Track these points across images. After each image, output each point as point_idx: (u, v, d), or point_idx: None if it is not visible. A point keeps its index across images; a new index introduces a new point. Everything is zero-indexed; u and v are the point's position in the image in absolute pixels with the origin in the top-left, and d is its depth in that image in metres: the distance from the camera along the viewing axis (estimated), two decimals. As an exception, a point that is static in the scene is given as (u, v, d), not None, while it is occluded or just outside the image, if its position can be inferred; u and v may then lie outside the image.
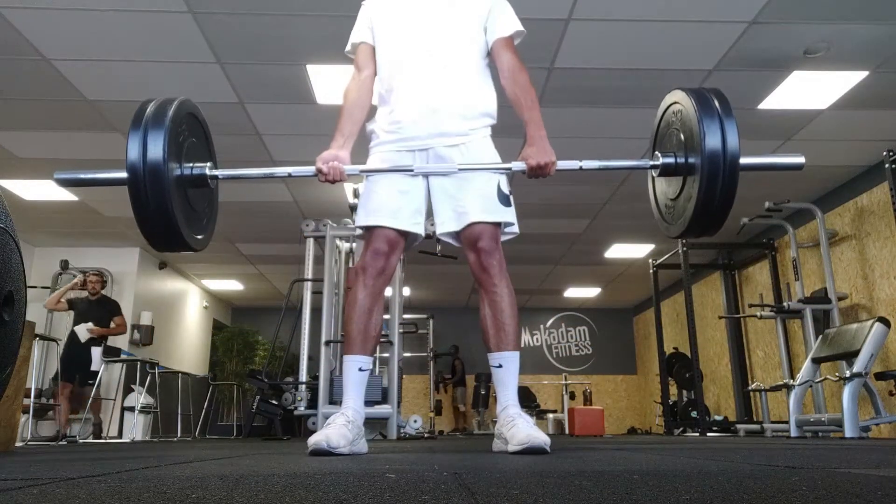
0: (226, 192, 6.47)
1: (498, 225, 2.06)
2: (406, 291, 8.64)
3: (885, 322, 4.57)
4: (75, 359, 6.16)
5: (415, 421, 5.49)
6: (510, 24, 2.15)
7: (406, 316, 8.77)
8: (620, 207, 6.79)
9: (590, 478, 1.03)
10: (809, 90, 4.56)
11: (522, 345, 11.72)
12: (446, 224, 2.05)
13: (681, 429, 7.70)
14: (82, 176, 2.08)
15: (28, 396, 5.64)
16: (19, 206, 6.36)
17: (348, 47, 2.21)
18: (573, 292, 10.91)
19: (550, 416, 10.29)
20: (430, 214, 2.09)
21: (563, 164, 2.01)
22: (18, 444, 4.13)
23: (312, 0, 3.62)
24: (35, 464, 1.72)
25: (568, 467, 1.27)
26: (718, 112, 1.87)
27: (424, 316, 10.38)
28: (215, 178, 2.01)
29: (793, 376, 6.20)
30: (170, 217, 1.80)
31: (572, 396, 10.80)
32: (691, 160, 1.92)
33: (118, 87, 4.48)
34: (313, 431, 4.26)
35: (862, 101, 4.70)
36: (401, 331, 5.56)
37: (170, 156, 1.80)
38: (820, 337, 5.29)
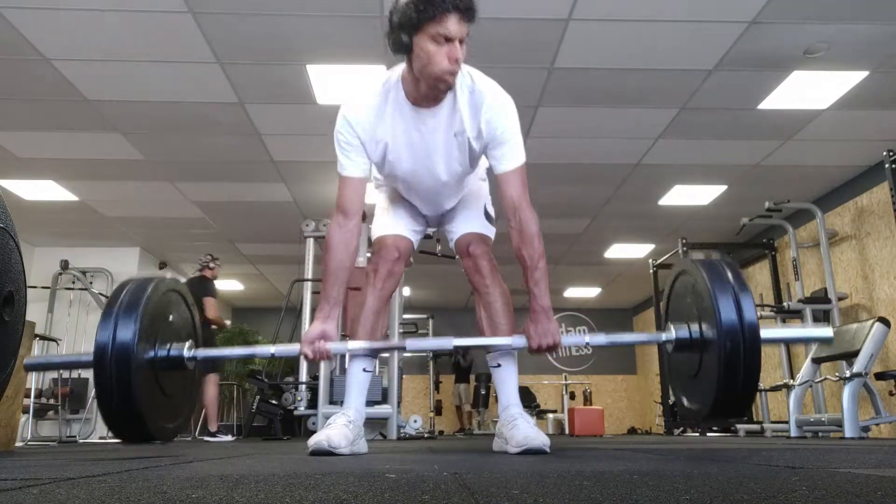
0: (226, 191, 6.50)
1: (485, 237, 2.25)
2: (406, 291, 8.64)
3: (885, 322, 4.57)
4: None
5: (415, 421, 5.49)
6: (516, 156, 1.98)
7: (406, 316, 8.78)
8: (620, 207, 6.79)
9: (590, 478, 1.03)
10: (809, 90, 4.55)
11: (522, 345, 11.68)
12: (446, 244, 2.32)
13: (681, 429, 7.69)
14: (52, 360, 2.06)
15: (28, 396, 5.64)
16: (19, 206, 6.36)
17: (339, 169, 2.03)
18: (573, 292, 10.91)
19: (550, 416, 10.29)
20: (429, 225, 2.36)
21: (567, 341, 1.96)
22: (18, 444, 4.13)
23: (312, 0, 3.62)
24: (35, 464, 1.72)
25: (568, 467, 1.27)
26: (732, 285, 1.74)
27: (424, 316, 10.38)
28: (194, 358, 1.93)
29: (793, 376, 6.20)
30: (134, 407, 1.69)
31: (572, 396, 10.80)
32: (707, 334, 1.79)
33: (118, 87, 4.48)
34: (313, 431, 4.26)
35: (862, 101, 4.70)
36: (401, 331, 5.56)
37: (142, 339, 1.71)
38: (820, 337, 5.29)
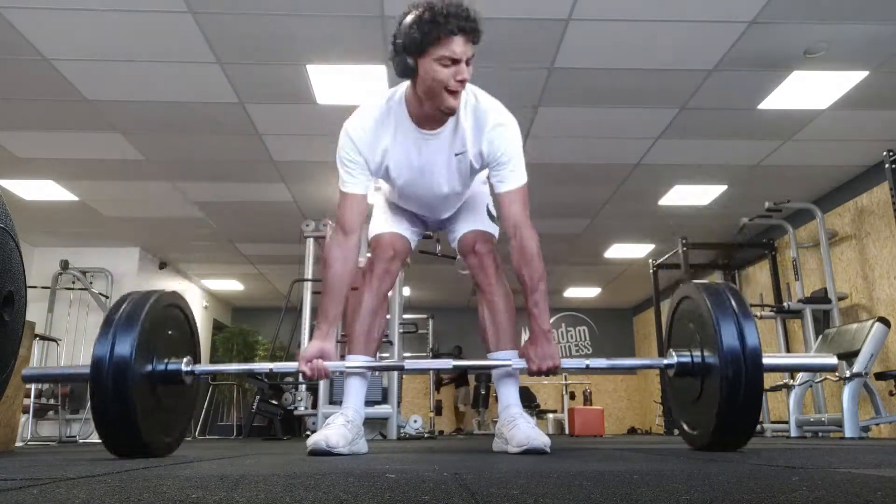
0: (226, 191, 6.49)
1: (489, 235, 2.24)
2: (406, 291, 8.63)
3: (885, 322, 4.57)
4: None
5: (415, 421, 5.49)
6: (518, 177, 2.00)
7: (406, 316, 8.77)
8: (620, 207, 6.79)
9: (590, 478, 1.03)
10: (809, 90, 4.55)
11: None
12: (447, 244, 2.33)
13: (681, 429, 7.68)
14: (50, 373, 2.08)
15: (28, 396, 5.64)
16: (19, 206, 6.36)
17: (341, 185, 2.07)
18: (573, 292, 10.91)
19: (550, 416, 10.29)
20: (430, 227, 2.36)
21: (567, 364, 1.98)
22: (18, 444, 4.13)
23: (312, 0, 3.62)
24: (35, 464, 1.72)
25: (568, 467, 1.27)
26: (734, 311, 1.74)
27: (424, 316, 10.37)
28: (192, 373, 1.94)
29: (793, 376, 6.20)
30: (131, 422, 1.68)
31: (572, 396, 10.79)
32: (709, 360, 1.79)
33: (118, 87, 4.48)
34: (313, 432, 4.26)
35: (862, 101, 4.70)
36: (401, 331, 5.56)
37: (140, 353, 1.71)
38: (820, 337, 5.29)
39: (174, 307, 1.97)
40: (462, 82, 1.80)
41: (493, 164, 1.98)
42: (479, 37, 1.80)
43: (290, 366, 1.98)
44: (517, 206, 1.98)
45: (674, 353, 1.92)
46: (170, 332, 1.93)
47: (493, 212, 2.28)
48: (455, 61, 1.77)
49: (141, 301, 1.80)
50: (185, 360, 1.92)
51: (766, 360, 1.70)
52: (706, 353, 1.79)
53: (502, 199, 2.00)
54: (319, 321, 2.00)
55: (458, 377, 11.27)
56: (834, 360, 1.83)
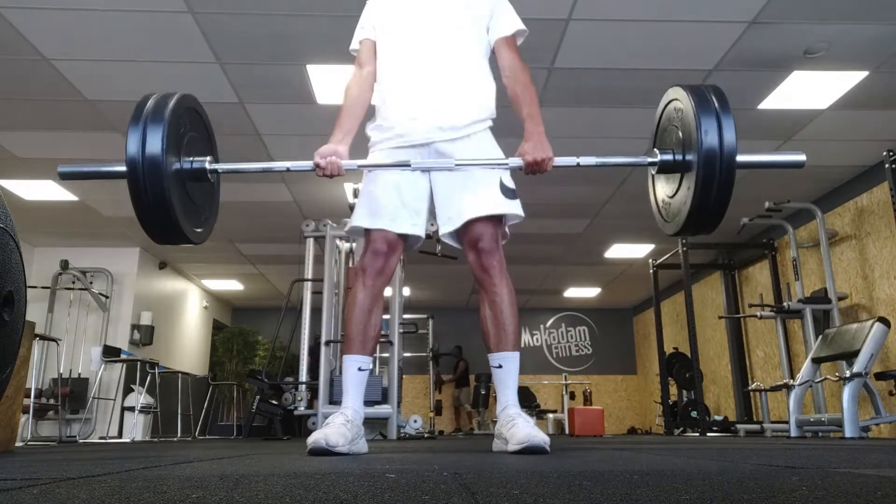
0: (226, 192, 6.47)
1: (498, 225, 2.08)
2: (406, 291, 8.63)
3: (885, 322, 4.57)
4: None
5: (415, 421, 5.49)
6: (512, 23, 2.16)
7: (406, 316, 8.77)
8: (620, 207, 6.79)
9: (590, 478, 1.03)
10: (809, 90, 4.56)
11: (522, 345, 11.73)
12: (447, 225, 2.06)
13: (681, 429, 7.70)
14: (85, 169, 2.10)
15: (28, 396, 5.64)
16: (19, 206, 6.36)
17: (353, 44, 2.23)
18: (573, 292, 10.91)
19: (550, 416, 10.29)
20: (431, 214, 2.09)
21: (560, 161, 2.00)
22: (18, 444, 4.13)
23: (312, 0, 3.62)
24: (35, 464, 1.72)
25: (568, 467, 1.27)
26: (716, 109, 1.85)
27: (424, 316, 10.37)
28: (215, 171, 2.02)
29: (793, 376, 6.20)
30: (168, 210, 1.80)
31: (572, 396, 10.80)
32: (688, 157, 1.90)
33: (118, 87, 4.48)
34: (313, 431, 4.26)
35: (862, 101, 4.70)
36: (401, 331, 5.56)
37: (169, 150, 1.79)
38: (820, 337, 5.29)
39: (192, 109, 2.01)
40: None
41: (495, 12, 2.16)
42: None
43: (305, 164, 2.03)
44: (513, 48, 2.14)
45: (657, 152, 2.03)
46: (193, 133, 1.99)
47: (510, 184, 2.06)
48: None
49: (163, 101, 1.85)
50: (208, 158, 1.99)
51: (738, 158, 1.84)
52: (687, 152, 1.91)
53: (497, 46, 2.15)
54: (335, 130, 2.07)
55: (459, 378, 11.28)
56: (802, 157, 1.94)
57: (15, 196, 6.26)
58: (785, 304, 6.25)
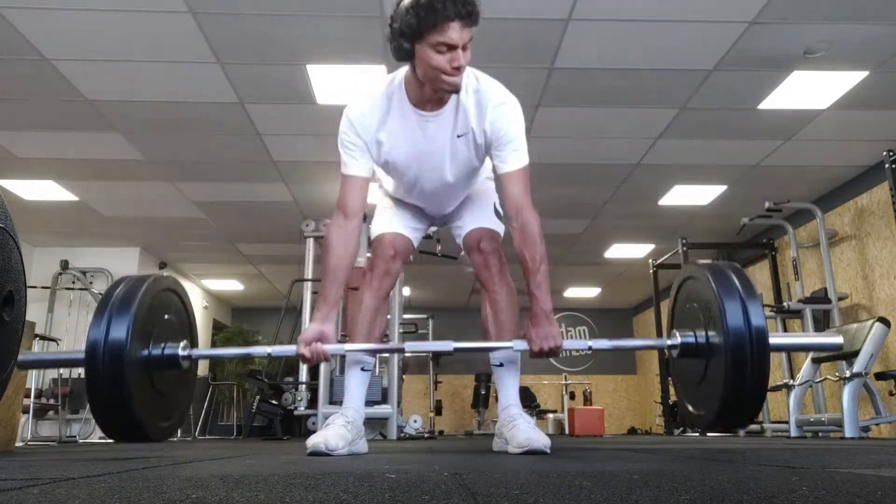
0: (226, 191, 6.49)
1: (496, 233, 2.21)
2: (406, 291, 8.64)
3: (885, 322, 4.57)
4: None
5: (415, 421, 5.49)
6: (520, 157, 1.97)
7: (406, 316, 8.77)
8: (620, 207, 6.79)
9: (590, 478, 1.03)
10: (809, 90, 4.55)
11: (522, 345, 11.67)
12: (455, 234, 2.27)
13: (681, 429, 7.69)
14: (44, 358, 2.09)
15: (28, 396, 5.64)
16: (19, 206, 6.36)
17: (343, 168, 2.02)
18: (573, 292, 10.91)
19: (550, 416, 10.29)
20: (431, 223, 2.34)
21: (569, 345, 1.94)
22: (18, 444, 4.13)
23: (312, 0, 3.62)
24: (35, 464, 1.72)
25: (568, 467, 1.27)
26: (739, 290, 1.71)
27: (424, 316, 10.37)
28: (188, 357, 1.92)
29: (793, 376, 6.20)
30: (127, 406, 1.68)
31: (572, 396, 10.79)
32: (714, 341, 1.75)
33: (118, 87, 4.48)
34: (313, 431, 4.26)
35: (862, 101, 4.70)
36: (401, 331, 5.56)
37: (134, 338, 1.70)
38: (820, 337, 5.28)
39: (170, 291, 1.94)
40: (458, 69, 1.78)
41: (496, 143, 1.95)
42: (477, 19, 1.76)
43: (289, 349, 1.93)
44: (519, 186, 1.95)
45: (678, 334, 1.90)
46: (166, 317, 1.90)
47: (501, 210, 2.22)
48: (451, 47, 1.74)
49: (136, 284, 1.77)
50: (181, 344, 1.90)
51: (772, 340, 1.68)
52: (711, 334, 1.76)
53: (504, 181, 1.97)
54: (319, 303, 1.95)
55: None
56: (840, 340, 1.81)
57: (15, 196, 6.26)
58: (785, 304, 6.25)
